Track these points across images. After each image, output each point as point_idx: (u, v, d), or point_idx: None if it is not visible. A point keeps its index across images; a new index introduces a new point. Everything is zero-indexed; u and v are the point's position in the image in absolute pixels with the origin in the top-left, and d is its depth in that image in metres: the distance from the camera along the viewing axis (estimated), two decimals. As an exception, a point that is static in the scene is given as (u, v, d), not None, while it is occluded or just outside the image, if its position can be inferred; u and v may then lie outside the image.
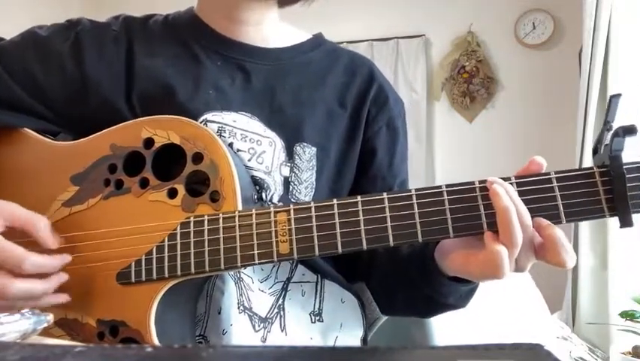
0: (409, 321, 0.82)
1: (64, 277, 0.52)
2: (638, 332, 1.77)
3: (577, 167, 2.17)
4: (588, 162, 2.02)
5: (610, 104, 0.49)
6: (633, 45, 1.92)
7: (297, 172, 0.63)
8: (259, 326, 0.60)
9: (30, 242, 0.52)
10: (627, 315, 1.79)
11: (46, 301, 0.52)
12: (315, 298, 0.65)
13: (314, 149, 0.64)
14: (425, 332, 0.81)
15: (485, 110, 2.98)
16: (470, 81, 2.94)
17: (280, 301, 0.62)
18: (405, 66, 3.01)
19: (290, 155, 0.63)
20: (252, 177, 0.61)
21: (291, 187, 0.62)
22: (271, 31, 0.70)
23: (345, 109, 0.68)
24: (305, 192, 0.63)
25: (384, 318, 0.76)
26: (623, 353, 1.84)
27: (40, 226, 0.52)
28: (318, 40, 0.73)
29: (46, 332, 0.54)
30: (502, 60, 2.94)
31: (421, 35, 3.01)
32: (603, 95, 1.99)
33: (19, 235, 0.51)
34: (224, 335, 0.57)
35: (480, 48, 2.94)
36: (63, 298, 0.53)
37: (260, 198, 0.61)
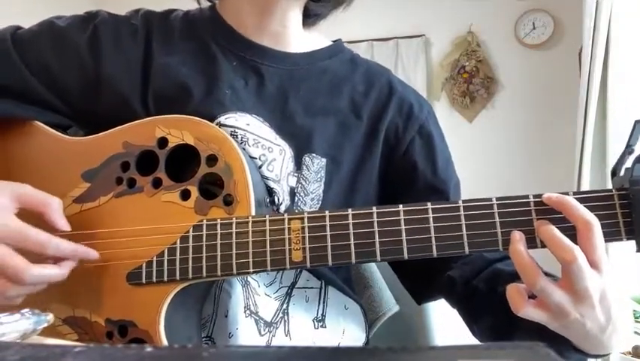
0: (409, 321, 0.82)
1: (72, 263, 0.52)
2: (638, 332, 1.77)
3: (576, 167, 2.16)
4: (587, 162, 2.02)
5: (634, 128, 0.48)
6: (633, 45, 1.92)
7: (303, 183, 0.61)
8: (264, 330, 0.59)
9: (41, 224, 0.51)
10: (627, 315, 1.79)
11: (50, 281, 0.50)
12: (319, 304, 0.64)
13: (323, 160, 0.62)
14: (425, 332, 0.81)
15: (485, 110, 2.98)
16: (470, 81, 2.94)
17: (284, 306, 0.62)
18: (405, 66, 3.01)
19: (298, 165, 0.61)
20: None
21: (296, 198, 0.61)
22: (293, 35, 0.68)
23: (360, 120, 0.65)
24: (310, 203, 0.61)
25: (384, 318, 0.76)
26: (623, 353, 1.84)
27: (55, 205, 0.51)
28: (337, 48, 0.71)
29: (52, 330, 0.54)
30: (502, 60, 2.94)
31: (421, 35, 3.01)
32: (603, 95, 1.99)
33: (31, 216, 0.50)
34: (230, 338, 0.57)
35: (480, 48, 2.94)
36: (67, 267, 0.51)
37: (272, 202, 0.60)
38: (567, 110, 2.51)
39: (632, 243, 0.48)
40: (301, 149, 0.62)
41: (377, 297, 0.78)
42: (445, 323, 0.81)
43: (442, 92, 3.02)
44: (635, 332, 1.77)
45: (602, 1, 1.94)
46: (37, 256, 0.49)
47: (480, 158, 2.90)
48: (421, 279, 0.68)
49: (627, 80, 1.92)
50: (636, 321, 1.78)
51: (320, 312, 0.64)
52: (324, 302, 0.65)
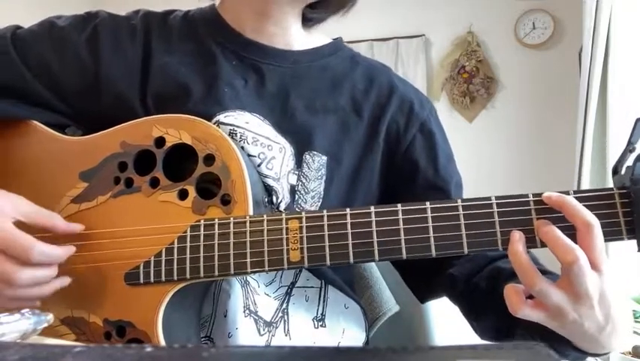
0: (409, 321, 0.82)
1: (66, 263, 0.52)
2: (638, 332, 1.77)
3: (576, 167, 2.16)
4: (587, 162, 2.02)
5: (635, 125, 0.47)
6: (633, 45, 1.92)
7: (304, 181, 0.61)
8: (264, 330, 0.59)
9: (41, 238, 0.51)
10: (627, 315, 1.78)
11: (49, 287, 0.51)
12: (319, 303, 0.64)
13: (324, 158, 0.62)
14: (425, 332, 0.81)
15: (485, 110, 2.98)
16: (470, 81, 2.94)
17: (284, 306, 0.61)
18: (405, 66, 3.01)
19: (299, 163, 0.61)
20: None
21: (296, 196, 0.61)
22: (293, 35, 0.68)
23: (361, 118, 0.65)
24: (311, 201, 0.61)
25: (384, 318, 0.76)
26: (623, 353, 1.84)
27: (58, 221, 0.53)
28: (336, 45, 0.71)
29: (51, 330, 0.54)
30: (502, 60, 2.94)
31: (421, 35, 3.01)
32: (603, 95, 1.99)
33: (28, 229, 0.50)
34: (229, 338, 0.57)
35: (480, 48, 2.94)
36: (65, 281, 0.52)
37: (270, 202, 0.59)
38: (567, 110, 2.51)
39: (633, 243, 0.48)
40: (302, 146, 0.62)
41: (377, 297, 0.78)
42: (445, 323, 0.81)
43: (442, 92, 3.02)
44: (635, 332, 1.77)
45: (602, 1, 1.94)
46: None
47: (480, 158, 2.90)
48: (423, 277, 0.68)
49: (627, 80, 1.93)
50: (636, 321, 1.78)
51: (320, 311, 0.64)
52: (324, 302, 0.64)
